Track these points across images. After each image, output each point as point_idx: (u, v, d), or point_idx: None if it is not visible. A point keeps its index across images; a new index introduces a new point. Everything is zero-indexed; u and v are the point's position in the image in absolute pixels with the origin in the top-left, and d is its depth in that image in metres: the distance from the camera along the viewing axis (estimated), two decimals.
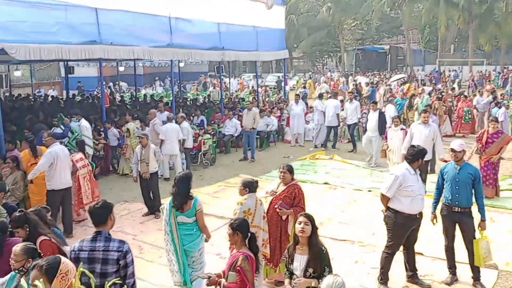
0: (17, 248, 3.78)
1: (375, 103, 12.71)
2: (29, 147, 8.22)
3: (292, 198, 5.78)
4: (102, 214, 3.98)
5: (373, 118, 12.00)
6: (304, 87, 27.84)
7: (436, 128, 9.71)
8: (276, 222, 5.83)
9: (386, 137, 10.88)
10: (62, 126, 11.25)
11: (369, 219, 8.22)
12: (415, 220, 5.70)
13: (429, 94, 17.82)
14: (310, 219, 4.22)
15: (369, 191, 9.94)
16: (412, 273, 6.00)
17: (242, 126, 13.67)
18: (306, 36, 45.47)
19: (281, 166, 6.00)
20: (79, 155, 8.54)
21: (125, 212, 8.95)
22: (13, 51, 8.89)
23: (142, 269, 6.51)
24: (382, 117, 12.02)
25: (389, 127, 10.87)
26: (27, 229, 4.29)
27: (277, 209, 5.71)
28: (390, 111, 13.85)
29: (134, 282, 3.98)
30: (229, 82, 27.69)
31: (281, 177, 5.90)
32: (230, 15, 15.43)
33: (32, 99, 20.92)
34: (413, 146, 6.01)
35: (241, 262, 4.05)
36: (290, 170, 5.91)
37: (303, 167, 12.11)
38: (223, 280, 4.14)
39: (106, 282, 3.31)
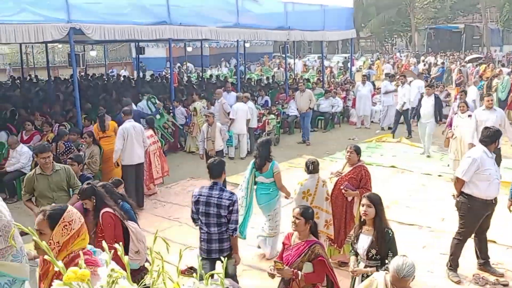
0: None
1: (431, 86, 11.65)
2: (98, 121, 8.66)
3: (359, 180, 5.68)
4: (218, 169, 4.88)
5: (428, 103, 10.90)
6: (370, 68, 27.03)
7: (503, 113, 8.99)
8: (342, 203, 5.77)
9: (450, 124, 9.79)
10: (150, 106, 11.67)
11: (438, 204, 7.91)
12: (490, 205, 5.42)
13: (508, 75, 16.69)
14: (372, 200, 4.13)
15: (439, 176, 9.54)
16: (483, 261, 5.74)
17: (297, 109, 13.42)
18: (374, 15, 43.90)
19: (348, 146, 5.90)
20: (149, 132, 8.86)
21: (192, 188, 9.17)
22: (89, 31, 9.32)
23: None
24: (438, 102, 11.04)
25: (455, 114, 9.65)
26: (94, 201, 4.49)
27: (343, 190, 5.64)
28: (472, 94, 13.09)
29: (236, 228, 4.79)
30: (294, 63, 27.46)
31: (348, 157, 5.81)
32: None
33: (106, 79, 21.96)
34: (487, 127, 5.68)
35: (321, 251, 3.98)
36: (357, 150, 5.80)
37: (369, 149, 11.83)
38: (300, 273, 3.91)
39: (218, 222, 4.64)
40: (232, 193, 4.79)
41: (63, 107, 13.03)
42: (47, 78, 20.20)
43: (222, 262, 3.13)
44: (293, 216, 4.03)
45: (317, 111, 14.95)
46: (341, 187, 5.67)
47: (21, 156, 8.47)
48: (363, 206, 4.14)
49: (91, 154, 7.88)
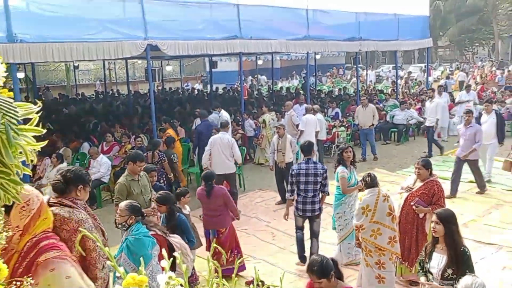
0: (122, 204, 4.27)
1: (490, 102, 10.39)
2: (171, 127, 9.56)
3: (431, 196, 5.42)
4: (308, 149, 6.45)
5: (488, 122, 9.72)
6: (448, 78, 25.81)
7: None
8: (412, 220, 5.53)
9: None
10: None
11: None
12: None
13: None
14: (440, 217, 3.90)
15: None
16: None
17: (358, 124, 12.76)
18: (453, 23, 41.97)
19: (416, 162, 5.65)
20: None
21: (260, 200, 9.29)
22: (164, 47, 9.76)
23: (274, 255, 6.71)
24: (500, 120, 9.90)
25: None
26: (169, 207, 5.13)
27: (413, 207, 5.40)
28: None
29: (328, 191, 6.34)
30: (366, 74, 26.92)
31: (417, 173, 5.57)
32: (370, 3, 14.95)
33: (181, 92, 22.85)
34: None
35: None
36: (427, 165, 5.54)
37: (446, 163, 11.24)
38: None
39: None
40: (323, 164, 6.77)
41: (141, 119, 13.72)
42: (127, 93, 21.43)
43: (314, 220, 5.97)
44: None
45: (390, 123, 14.52)
46: (412, 203, 5.44)
47: (101, 166, 9.02)
48: (432, 223, 3.94)
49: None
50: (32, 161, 1.45)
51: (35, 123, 1.38)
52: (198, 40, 10.60)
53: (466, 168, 9.13)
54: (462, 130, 8.99)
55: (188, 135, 11.72)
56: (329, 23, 14.36)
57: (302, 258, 6.42)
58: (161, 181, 8.06)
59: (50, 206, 3.02)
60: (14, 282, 1.82)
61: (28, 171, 1.45)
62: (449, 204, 7.92)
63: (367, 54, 27.64)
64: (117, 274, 2.32)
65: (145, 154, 8.45)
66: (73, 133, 11.55)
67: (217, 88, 23.27)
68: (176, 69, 29.02)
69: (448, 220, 3.90)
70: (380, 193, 5.30)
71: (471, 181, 9.73)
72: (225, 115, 11.79)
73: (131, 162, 5.82)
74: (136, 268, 4.11)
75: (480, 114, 10.41)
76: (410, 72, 29.56)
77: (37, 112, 1.49)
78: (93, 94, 22.43)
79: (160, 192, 5.47)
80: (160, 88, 24.74)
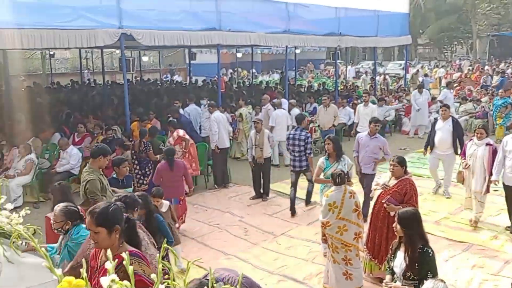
0: (57, 208, 4.02)
1: (447, 107, 8.93)
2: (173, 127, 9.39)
3: (403, 194, 5.39)
4: (300, 120, 8.23)
5: (444, 129, 8.52)
6: (426, 76, 26.05)
7: None
8: (383, 218, 5.50)
9: (464, 153, 7.66)
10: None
11: (493, 221, 7.41)
12: None
13: None
14: (401, 218, 3.90)
15: (495, 190, 8.94)
16: None
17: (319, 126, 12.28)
18: (433, 21, 42.38)
19: (391, 159, 5.62)
20: (182, 131, 9.06)
21: (234, 194, 9.18)
22: (139, 37, 9.54)
23: (246, 250, 6.63)
24: (457, 128, 8.60)
25: (470, 140, 7.63)
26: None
27: (384, 204, 5.37)
28: None
29: (311, 152, 8.05)
30: (346, 70, 26.98)
31: (391, 170, 5.54)
32: None
33: (159, 84, 22.51)
34: None
35: None
36: (402, 162, 5.51)
37: (421, 160, 11.31)
38: None
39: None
40: (307, 132, 8.28)
41: (116, 110, 13.44)
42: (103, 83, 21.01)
43: (305, 173, 8.21)
44: None
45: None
46: (383, 201, 5.41)
47: (70, 158, 8.77)
48: (395, 223, 3.91)
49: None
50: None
51: None
52: (174, 31, 10.39)
53: (442, 166, 9.14)
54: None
55: (163, 128, 11.50)
56: (309, 17, 14.25)
57: (293, 210, 7.97)
58: (147, 169, 8.29)
59: None
60: None
61: None
62: (422, 202, 7.97)
63: (347, 50, 27.66)
64: None
65: (132, 142, 8.71)
66: (45, 123, 11.22)
67: (196, 80, 23.01)
68: (156, 60, 28.59)
69: (408, 222, 3.87)
70: (347, 189, 5.29)
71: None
72: (194, 107, 11.71)
73: (102, 156, 5.59)
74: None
75: (436, 120, 9.09)
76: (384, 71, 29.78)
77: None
78: (68, 84, 21.92)
79: (138, 194, 4.96)
80: (138, 79, 24.33)
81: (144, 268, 2.63)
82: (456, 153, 8.48)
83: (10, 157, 8.92)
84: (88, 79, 24.88)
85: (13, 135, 9.72)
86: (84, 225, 3.90)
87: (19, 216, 3.26)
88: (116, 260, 1.79)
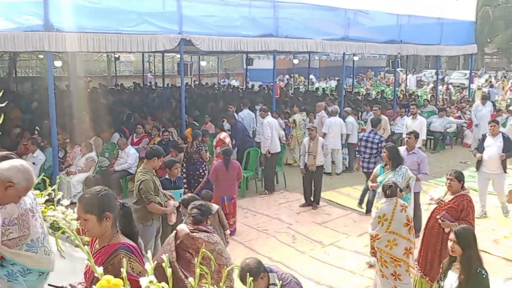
0: None
1: (496, 122, 8.35)
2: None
3: (459, 210, 5.13)
4: (375, 123, 9.03)
5: (494, 146, 7.96)
6: (492, 86, 24.77)
7: None
8: (437, 234, 5.26)
9: None
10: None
11: None
12: None
13: None
14: (459, 236, 3.69)
15: None
16: None
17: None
18: (502, 30, 40.24)
19: (449, 173, 5.38)
20: (224, 134, 9.14)
21: (284, 201, 9.15)
22: (198, 42, 9.75)
23: (293, 258, 6.58)
24: (508, 145, 7.93)
25: None
26: None
27: (439, 220, 5.15)
28: None
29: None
30: (406, 78, 26.21)
31: (448, 184, 5.29)
32: (413, 6, 14.50)
33: (217, 88, 22.92)
34: None
35: None
36: (459, 177, 5.24)
37: None
38: None
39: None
40: (381, 136, 8.65)
41: (174, 113, 13.82)
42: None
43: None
44: None
45: (427, 130, 14.05)
46: (438, 216, 5.18)
47: (128, 157, 9.11)
48: (450, 241, 3.72)
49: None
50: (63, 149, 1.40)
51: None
52: (232, 37, 10.54)
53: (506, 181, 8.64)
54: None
55: (217, 132, 11.69)
56: (369, 24, 14.01)
57: (361, 201, 8.41)
58: (201, 170, 8.37)
59: (192, 232, 4.08)
60: None
61: None
62: (480, 219, 7.59)
63: (408, 58, 26.83)
64: None
65: (185, 145, 8.91)
66: (106, 123, 11.73)
67: (252, 85, 23.21)
68: (214, 64, 29.17)
69: (466, 241, 3.67)
70: (398, 202, 5.14)
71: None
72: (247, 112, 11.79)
73: (156, 157, 5.75)
74: None
75: (484, 136, 8.39)
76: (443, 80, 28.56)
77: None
78: (131, 86, 22.79)
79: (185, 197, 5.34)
80: (197, 82, 24.88)
81: (133, 265, 2.42)
82: (505, 171, 8.00)
83: (72, 155, 9.39)
84: (150, 82, 25.79)
85: (76, 134, 10.24)
86: None
87: (74, 212, 3.42)
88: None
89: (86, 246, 1.82)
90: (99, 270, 1.68)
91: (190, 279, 1.88)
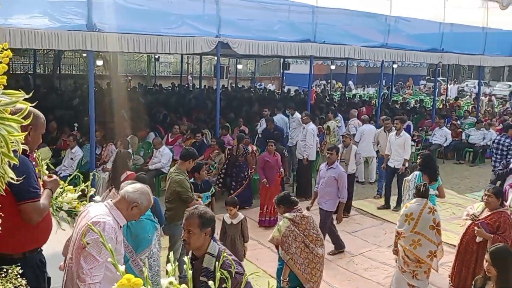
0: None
1: None
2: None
3: (495, 227, 4.94)
4: (508, 128, 9.15)
5: None
6: None
7: None
8: (472, 251, 5.11)
9: None
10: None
11: None
12: None
13: None
14: (495, 259, 3.55)
15: None
16: None
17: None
18: None
19: (487, 188, 5.19)
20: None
21: (314, 207, 8.97)
22: (235, 46, 9.82)
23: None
24: None
25: None
26: None
27: (476, 227, 4.97)
28: None
29: None
30: (447, 88, 25.53)
31: (486, 200, 5.11)
32: (456, 14, 14.14)
33: (253, 91, 23.01)
34: None
35: None
36: (498, 194, 5.08)
37: None
38: None
39: None
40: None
41: (209, 114, 13.95)
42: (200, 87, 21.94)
43: None
44: None
45: (466, 142, 13.65)
46: (476, 227, 5.02)
47: (162, 157, 9.24)
48: (485, 261, 3.58)
49: (220, 161, 8.29)
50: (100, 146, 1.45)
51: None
52: (268, 41, 10.55)
53: None
54: None
55: (251, 135, 11.73)
56: (410, 32, 13.76)
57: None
58: (245, 172, 8.50)
59: None
60: None
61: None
62: None
63: (450, 67, 26.11)
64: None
65: (231, 147, 8.98)
66: (143, 122, 11.97)
67: (289, 90, 23.18)
68: (252, 68, 29.37)
69: (502, 262, 3.52)
70: (427, 204, 5.20)
71: None
72: (298, 116, 11.73)
73: (192, 160, 5.83)
74: (134, 251, 4.12)
75: (509, 163, 7.70)
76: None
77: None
78: (169, 86, 23.19)
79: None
80: (233, 85, 25.07)
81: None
82: None
83: (106, 152, 9.60)
84: (188, 83, 26.18)
85: (114, 131, 10.49)
86: None
87: None
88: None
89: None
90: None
91: None
